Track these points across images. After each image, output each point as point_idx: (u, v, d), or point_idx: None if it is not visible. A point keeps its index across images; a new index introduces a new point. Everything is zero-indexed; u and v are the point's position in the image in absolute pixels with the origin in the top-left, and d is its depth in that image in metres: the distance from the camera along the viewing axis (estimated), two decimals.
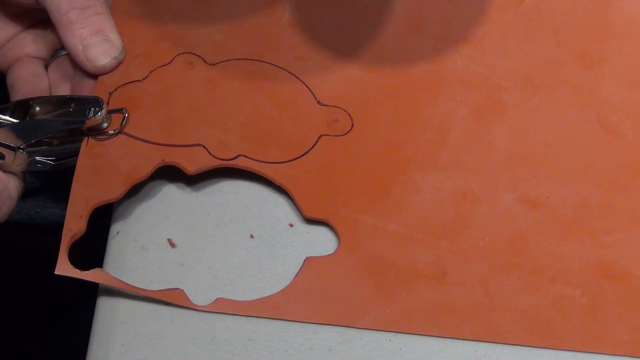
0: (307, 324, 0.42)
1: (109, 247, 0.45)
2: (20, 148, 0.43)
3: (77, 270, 0.41)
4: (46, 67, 0.50)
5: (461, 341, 0.42)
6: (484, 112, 0.48)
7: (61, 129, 0.44)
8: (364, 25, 0.50)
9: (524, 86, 0.48)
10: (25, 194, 0.46)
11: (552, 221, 0.45)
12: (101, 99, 0.44)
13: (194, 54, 0.48)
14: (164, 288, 0.43)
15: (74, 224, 0.42)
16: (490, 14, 0.51)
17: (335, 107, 0.47)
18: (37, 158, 0.44)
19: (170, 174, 0.46)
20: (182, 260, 0.44)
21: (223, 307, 0.42)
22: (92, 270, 0.42)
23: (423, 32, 0.50)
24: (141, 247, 0.44)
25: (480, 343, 0.42)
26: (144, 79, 0.47)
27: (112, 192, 0.43)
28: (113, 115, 0.45)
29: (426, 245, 0.44)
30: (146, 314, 0.42)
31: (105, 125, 0.45)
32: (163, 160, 0.44)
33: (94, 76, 0.47)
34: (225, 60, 0.48)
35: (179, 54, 0.48)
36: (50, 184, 0.63)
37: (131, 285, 0.42)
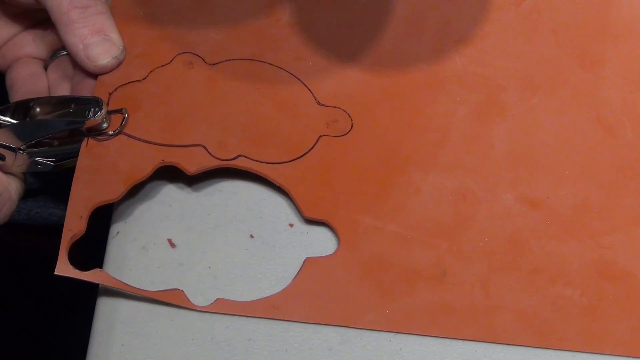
0: (307, 324, 0.42)
1: (109, 247, 0.45)
2: (20, 149, 0.43)
3: (77, 270, 0.41)
4: (45, 67, 0.50)
5: (461, 341, 0.42)
6: (483, 112, 0.48)
7: (61, 129, 0.44)
8: (363, 26, 0.50)
9: (524, 86, 0.48)
10: (26, 195, 0.46)
11: (552, 221, 0.45)
12: (101, 99, 0.44)
13: (194, 54, 0.48)
14: (164, 288, 0.43)
15: (74, 224, 0.42)
16: (490, 14, 0.51)
17: (335, 107, 0.47)
18: (38, 159, 0.44)
19: (170, 174, 0.46)
20: (182, 260, 0.44)
21: (223, 307, 0.42)
22: (91, 270, 0.42)
23: (423, 33, 0.50)
24: (141, 247, 0.44)
25: (480, 343, 0.42)
26: (143, 79, 0.47)
27: (112, 192, 0.43)
28: (113, 116, 0.45)
29: (426, 246, 0.44)
30: (146, 314, 0.42)
31: (105, 125, 0.45)
32: (163, 160, 0.44)
33: (94, 76, 0.47)
34: (225, 61, 0.48)
35: (179, 53, 0.48)
36: (50, 184, 0.62)
37: (131, 286, 0.42)
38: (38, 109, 0.44)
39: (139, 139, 0.45)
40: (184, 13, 0.49)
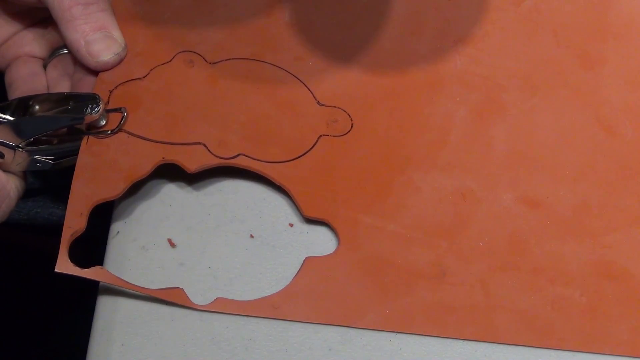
0: (307, 324, 0.42)
1: (109, 247, 0.45)
2: (19, 147, 0.43)
3: (77, 267, 0.41)
4: (45, 66, 0.50)
5: (461, 341, 0.42)
6: (483, 112, 0.48)
7: (60, 126, 0.44)
8: (363, 26, 0.50)
9: (524, 86, 0.48)
10: (25, 195, 0.46)
11: (551, 221, 0.45)
12: (98, 96, 0.44)
13: (195, 52, 0.48)
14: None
15: (74, 222, 0.42)
16: (490, 14, 0.51)
17: (335, 107, 0.47)
18: (37, 157, 0.44)
19: (170, 173, 0.46)
20: (182, 260, 0.44)
21: (223, 307, 0.42)
22: (92, 268, 0.42)
23: (423, 32, 0.50)
24: (141, 247, 0.44)
25: (480, 343, 0.42)
26: (144, 77, 0.47)
27: (112, 190, 0.43)
28: (113, 115, 0.45)
29: (426, 245, 0.44)
30: (146, 314, 0.42)
31: (103, 122, 0.45)
32: (163, 158, 0.44)
33: (94, 74, 0.47)
34: (226, 60, 0.48)
35: (179, 52, 0.48)
36: (50, 184, 0.63)
37: (131, 284, 0.42)
38: (37, 107, 0.44)
39: (140, 137, 0.45)
40: (185, 12, 0.49)
